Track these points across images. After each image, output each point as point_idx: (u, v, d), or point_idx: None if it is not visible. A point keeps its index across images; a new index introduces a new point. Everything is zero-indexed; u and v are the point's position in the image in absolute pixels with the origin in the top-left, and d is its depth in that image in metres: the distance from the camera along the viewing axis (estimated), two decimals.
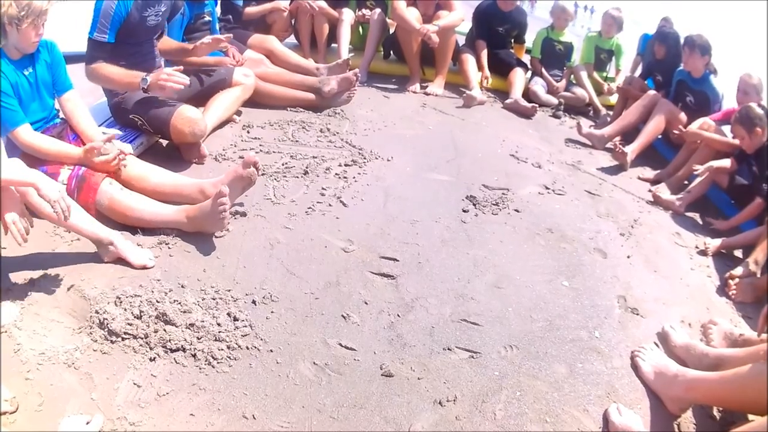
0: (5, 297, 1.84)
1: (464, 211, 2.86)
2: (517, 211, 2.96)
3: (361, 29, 5.12)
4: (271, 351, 1.83)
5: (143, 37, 2.78)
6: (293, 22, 4.86)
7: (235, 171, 2.32)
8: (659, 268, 2.72)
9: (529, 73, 5.27)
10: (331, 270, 2.26)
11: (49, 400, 1.56)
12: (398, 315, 2.07)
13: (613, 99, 5.14)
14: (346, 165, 3.11)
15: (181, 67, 2.71)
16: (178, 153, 2.92)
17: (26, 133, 2.20)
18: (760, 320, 2.00)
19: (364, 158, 3.22)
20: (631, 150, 3.93)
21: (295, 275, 2.20)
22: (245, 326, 1.89)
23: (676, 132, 3.95)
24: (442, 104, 4.50)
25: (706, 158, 3.58)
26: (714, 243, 3.00)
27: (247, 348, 1.82)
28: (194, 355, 1.76)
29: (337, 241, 2.44)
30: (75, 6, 3.27)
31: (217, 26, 3.78)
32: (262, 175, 2.81)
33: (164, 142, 3.02)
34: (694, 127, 3.72)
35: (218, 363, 1.75)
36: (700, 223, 3.41)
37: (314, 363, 1.81)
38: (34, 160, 2.20)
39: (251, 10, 4.40)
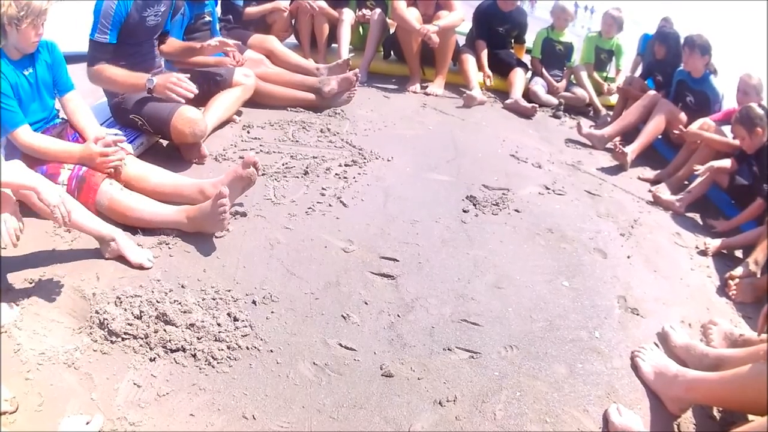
0: (5, 297, 1.84)
1: (464, 211, 2.87)
2: (517, 211, 2.96)
3: (361, 29, 5.12)
4: (271, 351, 1.83)
5: (143, 38, 2.78)
6: (293, 22, 4.87)
7: (235, 171, 2.32)
8: (659, 269, 2.72)
9: (530, 73, 5.28)
10: (331, 270, 2.26)
11: (49, 400, 1.56)
12: (398, 315, 2.07)
13: (613, 99, 5.14)
14: (346, 165, 3.11)
15: (188, 75, 2.72)
16: (178, 153, 2.92)
17: (26, 134, 2.20)
18: (760, 320, 2.00)
19: (364, 158, 3.22)
20: (631, 150, 3.93)
21: (295, 275, 2.20)
22: (245, 326, 1.89)
23: (676, 132, 3.95)
24: (442, 104, 4.50)
25: (706, 158, 3.58)
26: (714, 243, 3.00)
27: (247, 348, 1.82)
28: (194, 356, 1.75)
29: (337, 241, 2.44)
30: (75, 6, 3.27)
31: (218, 26, 3.78)
32: (262, 175, 2.81)
33: (164, 142, 3.02)
34: (695, 127, 3.72)
35: (218, 363, 1.75)
36: (701, 223, 3.40)
37: (314, 363, 1.81)
38: (34, 160, 2.20)
39: (251, 10, 4.40)
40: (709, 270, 2.84)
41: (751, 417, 1.79)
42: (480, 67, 4.97)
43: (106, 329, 1.78)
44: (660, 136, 4.25)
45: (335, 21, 4.82)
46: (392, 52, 5.06)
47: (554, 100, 5.01)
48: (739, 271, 2.68)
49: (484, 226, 2.76)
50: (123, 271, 2.05)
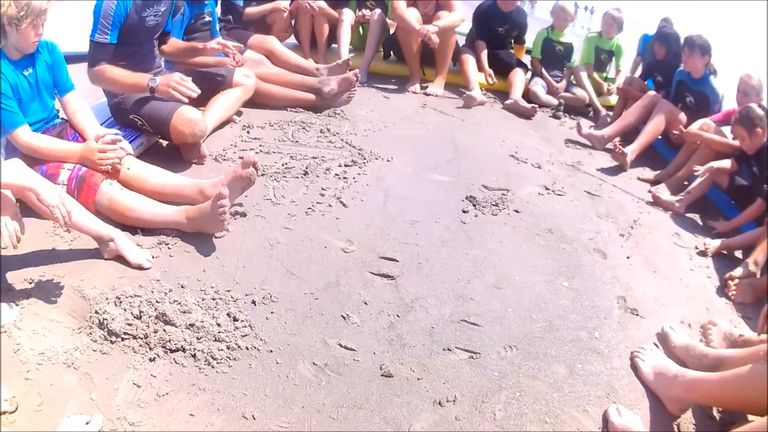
0: (5, 297, 1.84)
1: (464, 211, 2.87)
2: (516, 211, 2.96)
3: (361, 29, 5.12)
4: (271, 351, 1.83)
5: (142, 38, 2.78)
6: (293, 23, 4.87)
7: (234, 171, 2.32)
8: (659, 269, 2.72)
9: (529, 73, 5.28)
10: (331, 270, 2.26)
11: (48, 400, 1.55)
12: (398, 315, 2.07)
13: (613, 100, 5.14)
14: (346, 165, 3.11)
15: (190, 78, 2.72)
16: (178, 153, 2.92)
17: (26, 134, 2.20)
18: (761, 320, 2.01)
19: (364, 159, 3.22)
20: (631, 150, 3.93)
21: (294, 275, 2.20)
22: (245, 326, 1.89)
23: (675, 133, 3.95)
24: (442, 105, 4.50)
25: (706, 159, 3.58)
26: (714, 244, 3.00)
27: (247, 348, 1.82)
28: (194, 356, 1.75)
29: (337, 241, 2.44)
30: (75, 6, 3.27)
31: (218, 26, 3.78)
32: (262, 175, 2.81)
33: (164, 143, 3.02)
34: (695, 127, 3.73)
35: (218, 363, 1.75)
36: (700, 224, 3.41)
37: (314, 363, 1.81)
38: (34, 160, 2.20)
39: (251, 10, 4.41)
40: (709, 270, 2.84)
41: (750, 417, 1.79)
42: (480, 68, 4.97)
43: (106, 329, 1.78)
44: (660, 137, 4.26)
45: (335, 21, 4.83)
46: (392, 53, 5.06)
47: (554, 101, 5.01)
48: (738, 271, 2.68)
49: (483, 227, 2.76)
50: (123, 271, 2.05)
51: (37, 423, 1.49)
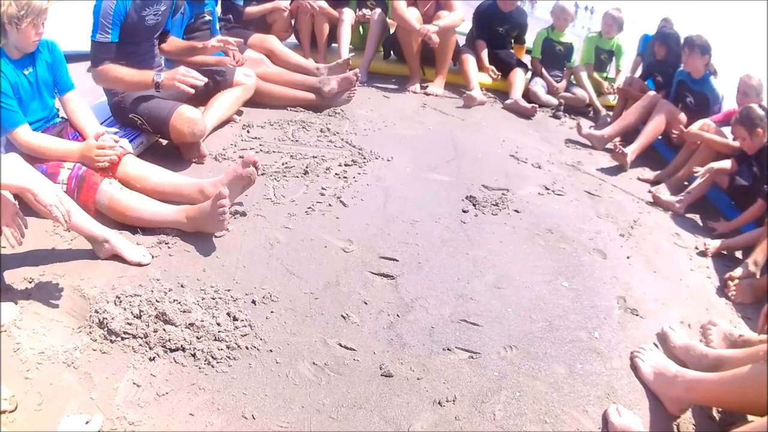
0: (5, 296, 1.84)
1: (464, 211, 2.87)
2: (516, 211, 2.96)
3: (361, 29, 5.12)
4: (271, 351, 1.83)
5: (142, 37, 2.77)
6: (293, 22, 4.86)
7: (234, 170, 2.32)
8: (659, 269, 2.72)
9: (529, 73, 5.28)
10: (331, 270, 2.26)
11: (48, 400, 1.55)
12: (398, 315, 2.07)
13: (614, 99, 5.14)
14: (346, 165, 3.11)
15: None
16: (177, 152, 2.92)
17: (25, 134, 2.20)
18: (761, 320, 2.01)
19: (364, 158, 3.22)
20: (631, 151, 3.93)
21: (294, 275, 2.20)
22: (245, 326, 1.89)
23: (675, 133, 3.95)
24: (442, 104, 4.50)
25: (706, 159, 3.58)
26: (714, 244, 3.00)
27: (247, 348, 1.82)
28: (194, 355, 1.75)
29: (337, 241, 2.44)
30: (75, 5, 3.27)
31: (218, 26, 3.78)
32: (262, 174, 2.81)
33: (164, 142, 3.02)
34: (695, 128, 3.72)
35: (218, 363, 1.75)
36: (700, 224, 3.40)
37: (314, 363, 1.81)
38: (34, 159, 2.20)
39: (251, 9, 4.40)
40: (709, 271, 2.84)
41: (750, 417, 1.79)
42: (481, 67, 4.97)
43: (106, 328, 1.78)
44: (660, 137, 4.26)
45: (335, 21, 4.83)
46: (392, 52, 5.06)
47: (554, 101, 5.01)
48: (738, 271, 2.68)
49: (483, 227, 2.76)
50: (122, 271, 2.05)
51: (36, 422, 1.49)
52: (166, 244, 2.22)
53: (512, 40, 5.32)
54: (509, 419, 1.73)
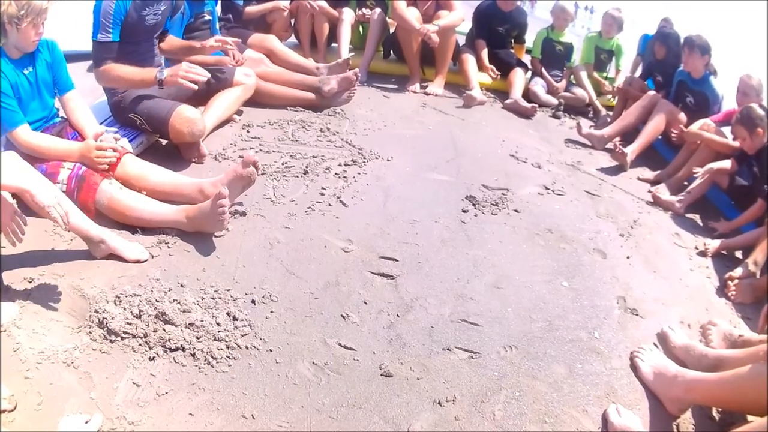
0: (4, 296, 1.84)
1: (464, 211, 2.87)
2: (516, 211, 2.96)
3: (361, 29, 5.12)
4: (271, 351, 1.83)
5: (142, 37, 2.77)
6: (293, 22, 4.86)
7: (234, 170, 2.32)
8: (659, 269, 2.72)
9: (529, 73, 5.28)
10: (331, 270, 2.26)
11: (48, 399, 1.55)
12: (398, 315, 2.07)
13: (610, 98, 5.15)
14: (345, 165, 3.11)
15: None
16: (177, 152, 2.91)
17: (25, 133, 2.20)
18: (761, 319, 2.01)
19: (364, 158, 3.22)
20: (631, 150, 3.93)
21: (294, 275, 2.20)
22: (244, 326, 1.89)
23: (674, 132, 3.95)
24: (442, 104, 4.50)
25: (706, 159, 3.58)
26: (713, 244, 3.00)
27: (247, 348, 1.82)
28: (193, 355, 1.75)
29: (337, 240, 2.44)
30: (75, 5, 3.27)
31: (217, 25, 3.78)
32: (262, 174, 2.81)
33: (164, 142, 3.02)
34: (695, 128, 3.72)
35: (217, 362, 1.75)
36: (700, 224, 3.41)
37: (313, 363, 1.81)
38: (34, 159, 2.20)
39: (251, 9, 4.40)
40: (709, 271, 2.84)
41: (750, 417, 1.79)
42: (481, 66, 4.97)
43: (106, 328, 1.78)
44: (660, 137, 4.25)
45: (335, 20, 4.82)
46: (392, 52, 5.06)
47: (554, 100, 5.01)
48: (738, 271, 2.68)
49: (483, 226, 2.76)
50: (122, 270, 2.05)
51: (36, 422, 1.49)
52: (165, 243, 2.22)
53: (512, 40, 5.32)
54: (509, 419, 1.73)
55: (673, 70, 4.36)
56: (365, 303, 2.10)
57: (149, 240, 2.22)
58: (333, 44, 4.94)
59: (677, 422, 1.85)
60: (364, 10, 4.97)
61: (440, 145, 3.67)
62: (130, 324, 1.80)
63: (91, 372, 1.65)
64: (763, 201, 3.12)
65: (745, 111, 3.28)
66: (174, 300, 1.91)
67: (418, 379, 1.81)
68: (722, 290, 2.67)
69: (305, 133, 3.46)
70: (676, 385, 1.85)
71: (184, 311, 1.87)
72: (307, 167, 2.97)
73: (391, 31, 4.93)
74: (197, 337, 1.80)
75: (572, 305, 2.31)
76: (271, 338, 1.88)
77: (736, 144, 3.44)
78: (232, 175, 2.31)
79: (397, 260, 2.38)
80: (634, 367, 2.01)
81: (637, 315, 2.33)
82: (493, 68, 5.02)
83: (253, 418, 1.60)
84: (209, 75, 2.68)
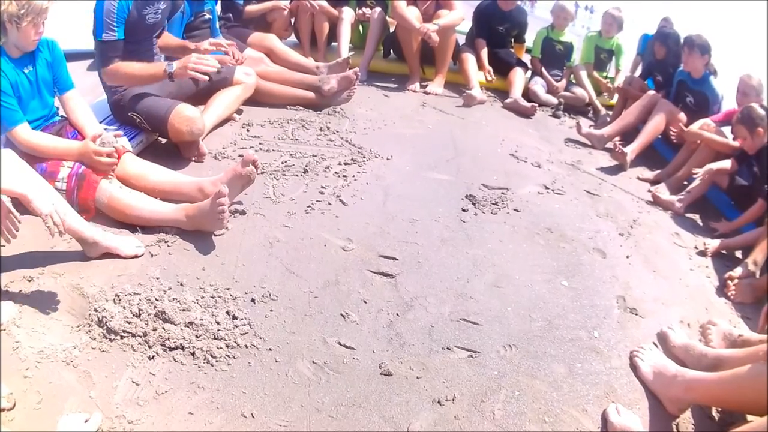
0: (4, 295, 1.84)
1: (464, 210, 2.86)
2: (516, 210, 2.96)
3: (361, 28, 5.12)
4: (270, 349, 1.83)
5: (142, 36, 2.77)
6: (293, 21, 4.86)
7: (234, 169, 2.31)
8: (658, 269, 2.72)
9: (529, 72, 5.27)
10: (331, 269, 2.26)
11: (47, 398, 1.55)
12: (397, 314, 2.07)
13: (613, 99, 5.14)
14: (345, 164, 3.11)
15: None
16: (177, 151, 2.91)
17: (24, 132, 2.20)
18: (761, 319, 2.01)
19: (364, 157, 3.22)
20: (631, 150, 3.93)
21: (294, 274, 2.19)
22: (244, 325, 1.89)
23: (674, 131, 3.95)
24: (442, 103, 4.50)
25: (706, 159, 3.58)
26: (713, 244, 3.00)
27: (246, 346, 1.82)
28: (193, 354, 1.75)
29: (337, 239, 2.44)
30: (75, 5, 3.26)
31: (217, 24, 3.78)
32: (262, 173, 2.81)
33: (163, 140, 3.02)
34: (695, 127, 3.72)
35: (217, 361, 1.75)
36: (700, 223, 3.41)
37: (313, 362, 1.81)
38: (34, 158, 2.20)
39: (251, 8, 4.40)
40: (708, 270, 2.84)
41: (750, 417, 1.79)
42: (480, 66, 4.97)
43: (105, 327, 1.78)
44: (660, 136, 4.25)
45: (335, 19, 4.82)
46: (392, 51, 5.06)
47: (554, 100, 5.01)
48: (738, 271, 2.68)
49: (483, 226, 2.76)
50: (122, 269, 2.05)
51: (35, 421, 1.49)
52: (165, 242, 2.22)
53: (512, 39, 5.32)
54: (509, 418, 1.73)
55: (673, 69, 4.36)
56: (365, 302, 2.10)
57: (149, 239, 2.22)
58: (333, 43, 4.94)
59: (677, 422, 1.85)
60: (364, 9, 4.97)
61: (440, 144, 3.67)
62: (129, 323, 1.80)
63: (91, 371, 1.65)
64: (763, 201, 3.12)
65: (746, 110, 3.29)
66: (173, 299, 1.91)
67: (417, 378, 1.81)
68: (722, 290, 2.67)
69: (305, 132, 3.46)
70: (676, 385, 1.85)
71: (183, 310, 1.87)
72: (306, 166, 2.97)
73: (391, 30, 4.93)
74: (197, 336, 1.80)
75: (572, 304, 2.31)
76: (271, 337, 1.87)
77: (736, 144, 3.44)
78: (231, 173, 2.31)
79: (397, 259, 2.38)
80: (634, 367, 2.01)
81: (636, 314, 2.33)
82: (490, 70, 5.00)
83: (253, 417, 1.60)
84: (219, 66, 2.68)
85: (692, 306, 2.50)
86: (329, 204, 2.69)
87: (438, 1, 4.58)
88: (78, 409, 1.53)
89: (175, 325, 1.82)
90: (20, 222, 1.77)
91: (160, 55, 3.04)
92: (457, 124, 4.11)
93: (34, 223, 2.08)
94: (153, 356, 1.73)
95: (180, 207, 2.30)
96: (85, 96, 2.57)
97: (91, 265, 2.05)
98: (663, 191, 3.55)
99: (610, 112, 4.93)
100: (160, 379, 1.66)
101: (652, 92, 4.34)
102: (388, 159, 3.28)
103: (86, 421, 1.47)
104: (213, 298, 1.97)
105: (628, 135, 4.27)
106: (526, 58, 5.40)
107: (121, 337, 1.77)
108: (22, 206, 1.79)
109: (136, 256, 2.10)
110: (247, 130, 3.35)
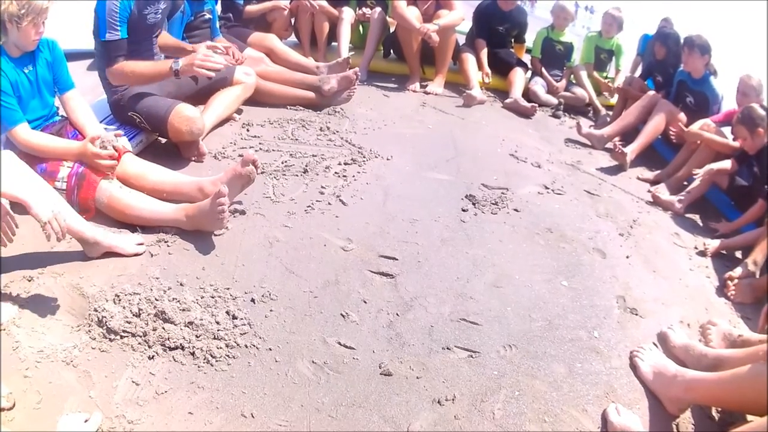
0: (4, 295, 1.84)
1: (463, 210, 2.86)
2: (516, 210, 2.96)
3: (361, 28, 5.12)
4: (270, 349, 1.83)
5: (142, 36, 2.76)
6: (293, 21, 4.86)
7: (234, 169, 2.31)
8: (658, 269, 2.72)
9: (529, 72, 5.28)
10: (330, 269, 2.26)
11: (47, 398, 1.55)
12: (397, 314, 2.07)
13: (613, 99, 5.14)
14: (345, 164, 3.11)
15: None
16: (177, 151, 2.91)
17: (24, 132, 2.19)
18: (761, 319, 2.01)
19: (364, 157, 3.22)
20: (631, 150, 3.93)
21: (294, 274, 2.19)
22: (244, 324, 1.89)
23: (673, 130, 3.95)
24: (442, 103, 4.50)
25: (706, 159, 3.58)
26: (713, 244, 3.00)
27: (246, 346, 1.82)
28: (193, 354, 1.75)
29: (337, 239, 2.44)
30: (75, 5, 3.26)
31: (217, 24, 3.78)
32: (262, 173, 2.81)
33: (163, 140, 3.02)
34: (695, 128, 3.72)
35: (217, 361, 1.74)
36: (700, 224, 3.41)
37: (313, 362, 1.81)
38: (34, 157, 2.20)
39: (251, 8, 4.40)
40: (708, 270, 2.84)
41: (749, 417, 1.79)
42: (480, 66, 4.97)
43: (105, 327, 1.78)
44: (660, 137, 4.25)
45: (335, 19, 4.82)
46: (392, 51, 5.06)
47: (554, 100, 5.01)
48: (738, 271, 2.68)
49: (483, 226, 2.76)
50: (122, 269, 2.05)
51: (35, 421, 1.49)
52: (165, 242, 2.22)
53: (512, 40, 5.32)
54: (508, 418, 1.73)
55: (673, 70, 4.36)
56: (365, 302, 2.10)
57: (149, 238, 2.22)
58: (333, 43, 4.94)
59: (677, 422, 1.85)
60: (364, 9, 4.97)
61: (440, 144, 3.67)
62: (129, 323, 1.80)
63: (91, 371, 1.65)
64: (764, 201, 3.12)
65: (746, 111, 3.29)
66: (173, 299, 1.91)
67: (417, 378, 1.81)
68: (722, 290, 2.67)
69: (305, 131, 3.46)
70: (676, 385, 1.85)
71: (183, 310, 1.87)
72: (306, 166, 2.97)
73: (391, 30, 4.93)
74: (197, 336, 1.80)
75: (572, 305, 2.31)
76: (271, 337, 1.87)
77: (736, 144, 3.44)
78: (231, 173, 2.31)
79: (397, 259, 2.38)
80: (634, 367, 2.01)
81: (636, 314, 2.33)
82: (488, 73, 5.00)
83: (253, 416, 1.60)
84: (225, 63, 2.68)
85: (692, 306, 2.50)
86: (329, 204, 2.69)
87: (438, 1, 4.58)
88: (78, 408, 1.53)
89: (175, 325, 1.82)
90: (17, 227, 1.77)
91: (160, 54, 3.04)
92: (457, 124, 4.11)
93: (33, 223, 2.07)
94: (153, 356, 1.73)
95: (180, 207, 2.30)
96: (85, 96, 2.57)
97: (91, 265, 2.05)
98: (663, 191, 3.55)
99: (610, 113, 4.93)
100: (160, 379, 1.66)
101: (652, 92, 4.34)
102: (388, 159, 3.28)
103: (86, 421, 1.47)
104: (213, 298, 1.97)
105: (628, 135, 4.27)
106: (526, 59, 5.41)
107: (121, 337, 1.77)
108: (21, 206, 1.79)
109: (137, 254, 2.10)
110: (247, 130, 3.35)
